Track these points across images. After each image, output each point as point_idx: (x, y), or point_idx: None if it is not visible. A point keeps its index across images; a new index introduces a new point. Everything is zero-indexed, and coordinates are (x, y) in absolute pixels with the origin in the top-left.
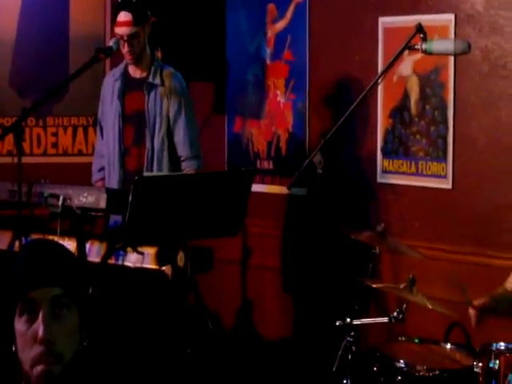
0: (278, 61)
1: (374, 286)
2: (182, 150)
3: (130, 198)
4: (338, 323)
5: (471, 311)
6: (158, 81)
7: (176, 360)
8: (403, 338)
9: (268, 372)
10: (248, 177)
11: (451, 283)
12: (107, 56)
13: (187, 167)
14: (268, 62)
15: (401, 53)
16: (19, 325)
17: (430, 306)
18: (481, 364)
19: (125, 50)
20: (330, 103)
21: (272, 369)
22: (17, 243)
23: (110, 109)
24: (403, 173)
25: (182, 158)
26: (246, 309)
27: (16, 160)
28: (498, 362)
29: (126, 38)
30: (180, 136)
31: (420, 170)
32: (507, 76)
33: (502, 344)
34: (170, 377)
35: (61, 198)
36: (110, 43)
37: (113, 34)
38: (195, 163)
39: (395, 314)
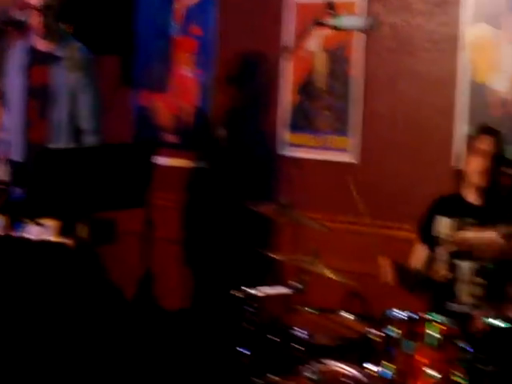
0: (185, 36)
1: (276, 257)
2: (85, 123)
3: (33, 170)
4: (239, 294)
5: (384, 261)
6: (63, 54)
7: (79, 331)
8: (304, 309)
9: (169, 341)
10: (151, 149)
11: None
12: (15, 29)
13: (88, 140)
14: (176, 36)
15: (309, 29)
16: None
17: (331, 277)
18: (379, 332)
19: (36, 21)
20: (236, 78)
21: (173, 338)
22: None
23: (14, 82)
24: (309, 147)
25: (84, 132)
26: (148, 280)
27: None
28: (396, 329)
29: (38, 9)
30: (83, 110)
31: (325, 144)
32: (414, 52)
33: (400, 312)
34: (73, 348)
35: None
36: (19, 16)
37: (21, 6)
38: (96, 137)
39: (296, 284)
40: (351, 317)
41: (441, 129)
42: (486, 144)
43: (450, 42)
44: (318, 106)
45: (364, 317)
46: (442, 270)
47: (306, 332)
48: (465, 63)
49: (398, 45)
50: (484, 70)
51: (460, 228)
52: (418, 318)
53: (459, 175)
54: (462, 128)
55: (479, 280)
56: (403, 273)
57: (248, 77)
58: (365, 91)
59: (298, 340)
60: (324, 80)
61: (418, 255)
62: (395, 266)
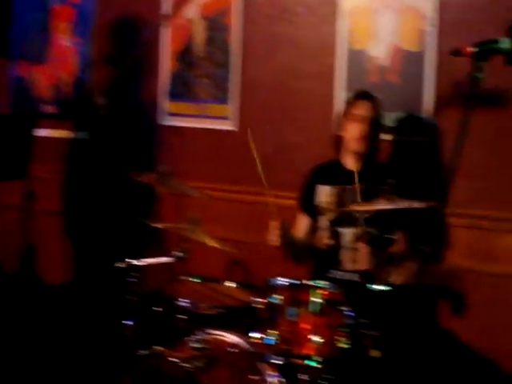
0: (64, 4)
1: (157, 226)
2: None
3: None
4: (122, 265)
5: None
6: None
7: None
8: (186, 278)
9: (51, 315)
10: (30, 120)
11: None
12: None
13: None
14: (54, 5)
15: None
16: None
17: (213, 245)
18: (263, 299)
19: None
20: (114, 47)
21: (55, 312)
22: None
23: None
24: (189, 115)
25: None
26: (29, 254)
27: None
28: (279, 297)
29: None
30: None
31: (205, 113)
32: (291, 19)
33: (283, 279)
34: None
35: None
36: None
37: None
38: None
39: (178, 253)
40: (234, 285)
41: (320, 95)
42: (362, 109)
43: (328, 9)
44: (198, 74)
45: (247, 285)
46: (324, 239)
47: (189, 302)
48: (343, 30)
49: (276, 11)
50: (362, 36)
51: (340, 195)
52: (300, 284)
53: (338, 141)
54: (340, 94)
55: (361, 246)
56: (289, 240)
57: (127, 45)
58: (243, 59)
59: (182, 310)
60: (203, 48)
61: (300, 225)
62: (283, 227)
